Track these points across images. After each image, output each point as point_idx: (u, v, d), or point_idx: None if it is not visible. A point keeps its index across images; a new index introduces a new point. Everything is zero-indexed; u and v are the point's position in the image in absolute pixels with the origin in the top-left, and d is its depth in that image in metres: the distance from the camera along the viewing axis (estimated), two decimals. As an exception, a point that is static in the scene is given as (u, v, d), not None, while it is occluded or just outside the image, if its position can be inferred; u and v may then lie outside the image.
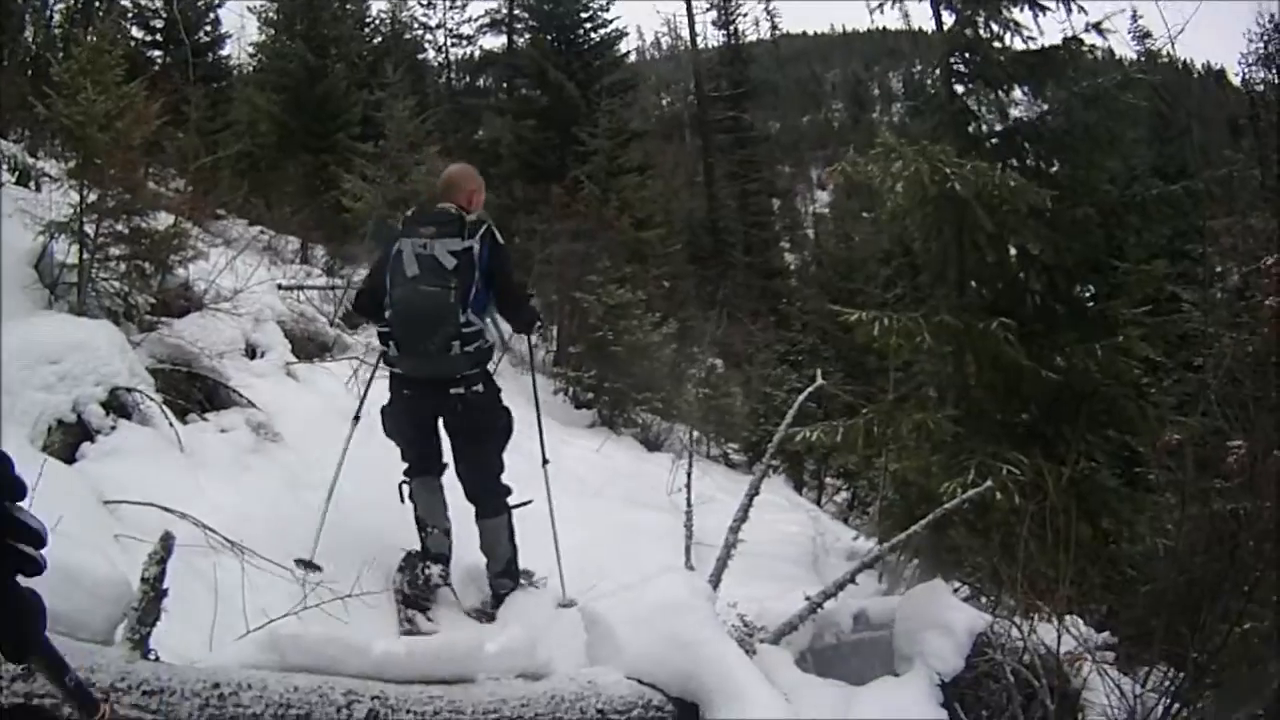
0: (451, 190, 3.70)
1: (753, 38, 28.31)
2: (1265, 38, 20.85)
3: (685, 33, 25.51)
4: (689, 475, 3.89)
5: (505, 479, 3.72)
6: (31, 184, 5.43)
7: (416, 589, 3.68)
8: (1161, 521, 5.40)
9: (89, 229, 4.20)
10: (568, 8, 18.02)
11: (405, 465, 3.73)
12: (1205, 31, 6.08)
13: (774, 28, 33.17)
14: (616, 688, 2.38)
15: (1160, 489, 5.98)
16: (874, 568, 4.45)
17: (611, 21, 18.51)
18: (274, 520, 3.47)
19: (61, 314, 3.90)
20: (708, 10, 25.29)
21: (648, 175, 16.78)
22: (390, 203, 8.97)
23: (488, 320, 3.57)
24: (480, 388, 3.53)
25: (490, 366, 3.66)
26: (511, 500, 3.71)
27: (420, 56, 20.16)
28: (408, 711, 1.90)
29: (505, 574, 3.79)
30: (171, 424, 3.60)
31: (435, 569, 3.68)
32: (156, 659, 1.80)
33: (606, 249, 11.36)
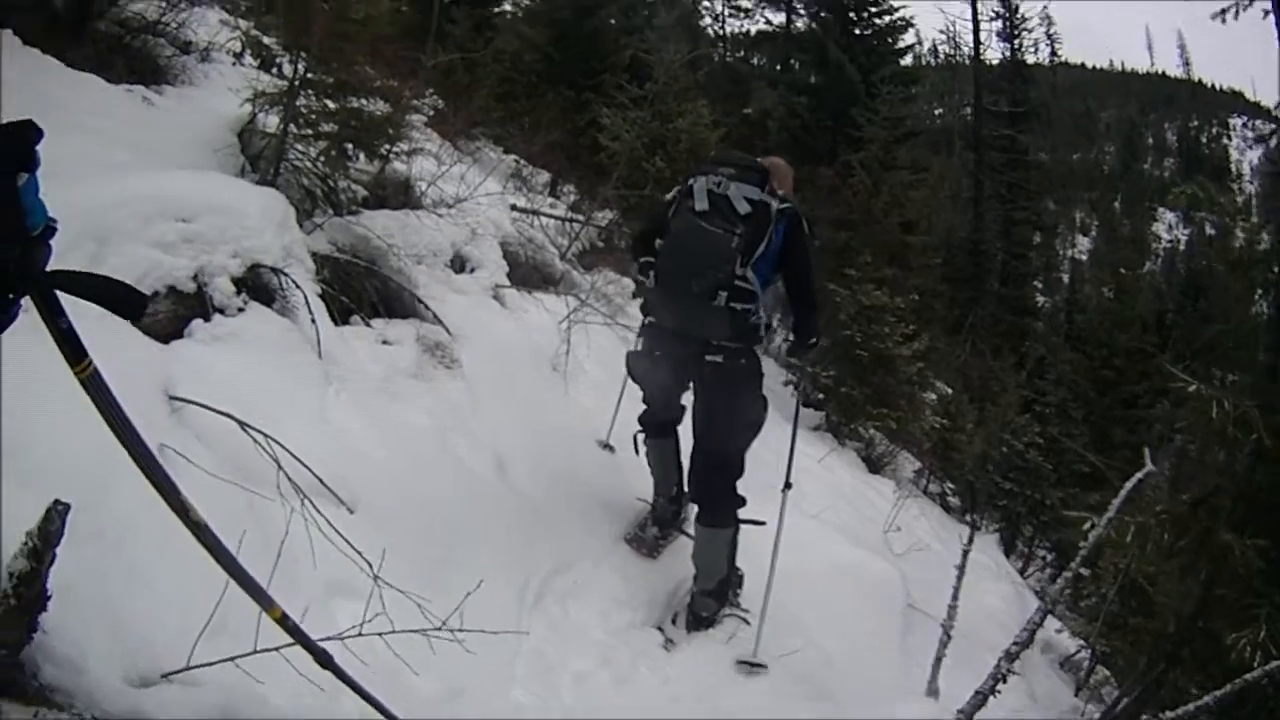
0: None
1: (1031, 60, 25.39)
2: None
3: (964, 40, 23.39)
4: (960, 573, 3.26)
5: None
6: (274, 70, 5.33)
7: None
8: None
9: (300, 103, 3.70)
10: (852, -11, 16.52)
11: (642, 412, 3.47)
12: None
13: (1054, 54, 29.55)
14: None
15: None
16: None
17: (897, 9, 16.85)
18: (395, 472, 2.59)
19: (217, 174, 3.23)
20: (993, 20, 23.00)
21: (920, 176, 15.22)
22: (648, 145, 8.36)
23: (765, 295, 3.05)
24: (743, 361, 2.97)
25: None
26: (742, 514, 3.08)
27: (692, 23, 19.27)
28: None
29: (713, 595, 3.15)
30: (314, 320, 2.79)
31: (652, 530, 3.57)
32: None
33: (869, 244, 10.27)
